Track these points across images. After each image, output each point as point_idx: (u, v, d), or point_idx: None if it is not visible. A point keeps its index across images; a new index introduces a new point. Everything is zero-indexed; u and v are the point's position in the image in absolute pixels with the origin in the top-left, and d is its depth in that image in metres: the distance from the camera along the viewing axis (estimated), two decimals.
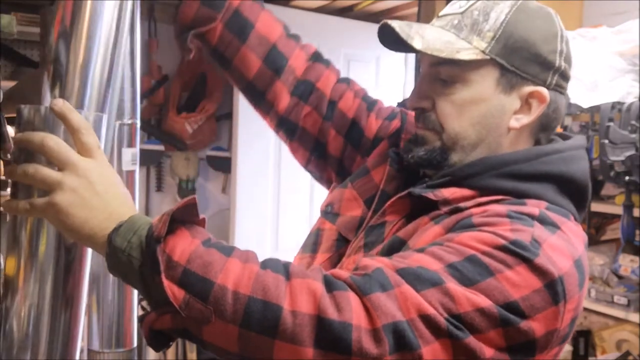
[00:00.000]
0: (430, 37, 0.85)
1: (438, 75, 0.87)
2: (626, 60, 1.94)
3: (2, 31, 1.00)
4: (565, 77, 0.89)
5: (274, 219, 2.73)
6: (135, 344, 0.97)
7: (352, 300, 0.68)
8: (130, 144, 0.95)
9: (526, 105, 0.87)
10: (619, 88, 1.90)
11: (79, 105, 0.76)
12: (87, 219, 0.69)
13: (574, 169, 0.87)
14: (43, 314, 0.74)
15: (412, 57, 3.01)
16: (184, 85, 3.26)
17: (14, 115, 0.73)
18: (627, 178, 1.93)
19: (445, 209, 0.83)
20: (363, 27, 3.07)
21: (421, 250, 0.76)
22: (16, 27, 1.08)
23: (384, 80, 3.16)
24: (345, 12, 3.09)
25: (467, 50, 0.84)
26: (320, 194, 3.22)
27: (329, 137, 1.05)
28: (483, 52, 0.84)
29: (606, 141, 1.86)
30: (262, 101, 1.06)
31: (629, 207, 2.09)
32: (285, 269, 0.70)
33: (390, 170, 0.95)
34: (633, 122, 1.87)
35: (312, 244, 0.99)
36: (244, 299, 0.67)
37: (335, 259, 0.95)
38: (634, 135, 1.86)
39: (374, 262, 0.74)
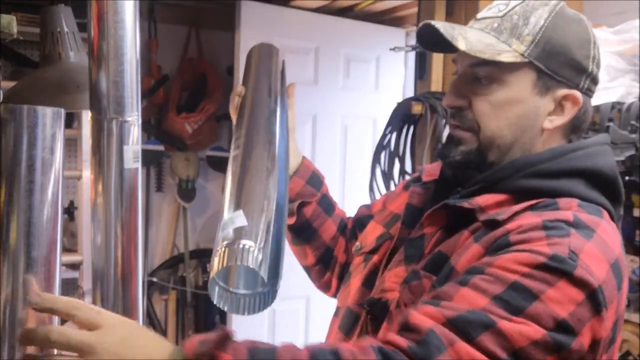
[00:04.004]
0: (473, 39, 0.89)
1: (476, 75, 0.91)
2: (626, 60, 1.94)
3: (2, 31, 1.00)
4: (595, 81, 0.93)
5: None
6: None
7: None
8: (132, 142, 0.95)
9: (559, 107, 0.90)
10: (619, 88, 1.90)
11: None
12: None
13: (601, 163, 0.90)
14: (17, 308, 0.72)
15: (412, 57, 3.01)
16: (184, 85, 3.26)
17: None
18: (627, 178, 1.93)
19: (482, 217, 0.86)
20: (363, 27, 3.07)
21: (464, 282, 0.77)
22: (16, 27, 1.08)
23: (384, 80, 3.16)
24: (345, 12, 3.09)
25: (507, 52, 0.88)
26: None
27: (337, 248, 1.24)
28: (522, 55, 0.88)
29: None
30: (330, 255, 1.25)
31: (628, 207, 2.09)
32: (336, 357, 0.72)
33: (413, 189, 1.02)
34: (633, 122, 1.86)
35: (347, 276, 1.08)
36: None
37: (368, 281, 1.00)
38: (634, 135, 1.86)
39: (424, 319, 0.75)
